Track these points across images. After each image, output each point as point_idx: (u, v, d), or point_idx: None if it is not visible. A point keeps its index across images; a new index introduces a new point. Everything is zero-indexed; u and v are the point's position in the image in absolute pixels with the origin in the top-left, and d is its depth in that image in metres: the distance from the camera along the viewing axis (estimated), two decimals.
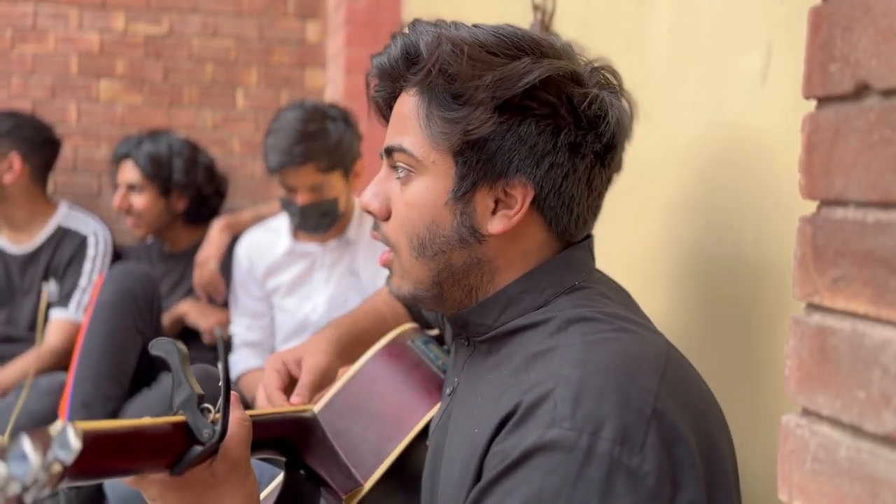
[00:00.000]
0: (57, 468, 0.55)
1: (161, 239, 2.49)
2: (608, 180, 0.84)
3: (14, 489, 0.52)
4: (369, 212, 0.85)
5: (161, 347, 0.75)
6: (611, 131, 0.79)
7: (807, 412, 0.57)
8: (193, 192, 2.44)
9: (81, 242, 2.42)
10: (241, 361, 2.09)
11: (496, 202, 0.79)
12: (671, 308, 1.09)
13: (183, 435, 0.72)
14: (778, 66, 0.88)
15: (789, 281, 0.60)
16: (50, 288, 2.38)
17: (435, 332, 1.19)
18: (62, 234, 2.43)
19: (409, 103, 0.81)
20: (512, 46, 0.77)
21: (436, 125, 0.78)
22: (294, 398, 1.02)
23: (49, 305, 2.37)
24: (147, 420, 0.70)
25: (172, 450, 0.71)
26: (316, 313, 2.04)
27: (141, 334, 1.95)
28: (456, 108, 0.76)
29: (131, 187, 2.37)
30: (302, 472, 0.93)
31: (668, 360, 0.74)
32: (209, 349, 2.21)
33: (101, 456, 0.64)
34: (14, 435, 0.54)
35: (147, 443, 0.69)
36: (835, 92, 0.55)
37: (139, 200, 2.37)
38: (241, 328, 2.11)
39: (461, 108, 0.76)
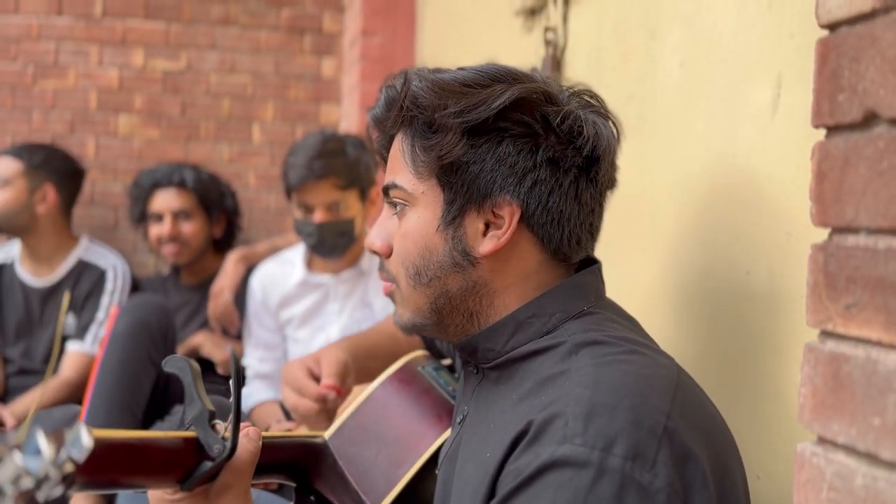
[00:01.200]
0: (69, 467, 0.56)
1: (179, 270, 2.51)
2: (600, 196, 0.85)
3: (27, 484, 0.53)
4: (374, 251, 0.88)
5: (174, 364, 0.77)
6: (590, 145, 0.81)
7: (822, 440, 0.57)
8: (234, 217, 2.50)
9: (100, 276, 2.44)
10: (253, 393, 2.09)
11: (486, 224, 0.82)
12: (680, 338, 1.09)
13: (193, 450, 0.73)
14: (789, 98, 0.89)
15: (803, 310, 0.60)
16: (69, 321, 2.40)
17: (447, 361, 1.19)
18: (82, 267, 2.45)
19: (396, 144, 0.86)
20: (487, 78, 0.81)
21: (417, 156, 0.82)
22: (325, 381, 1.07)
23: (65, 338, 2.39)
24: (159, 433, 0.71)
25: (183, 464, 0.72)
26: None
27: (155, 365, 1.96)
28: (430, 137, 0.81)
29: (179, 214, 2.39)
30: (312, 497, 0.93)
31: (679, 382, 0.74)
32: (223, 380, 2.22)
33: (112, 463, 0.65)
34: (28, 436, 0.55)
35: (158, 455, 0.70)
36: (843, 121, 0.55)
37: (189, 227, 2.39)
38: (254, 360, 2.12)
39: (434, 136, 0.80)
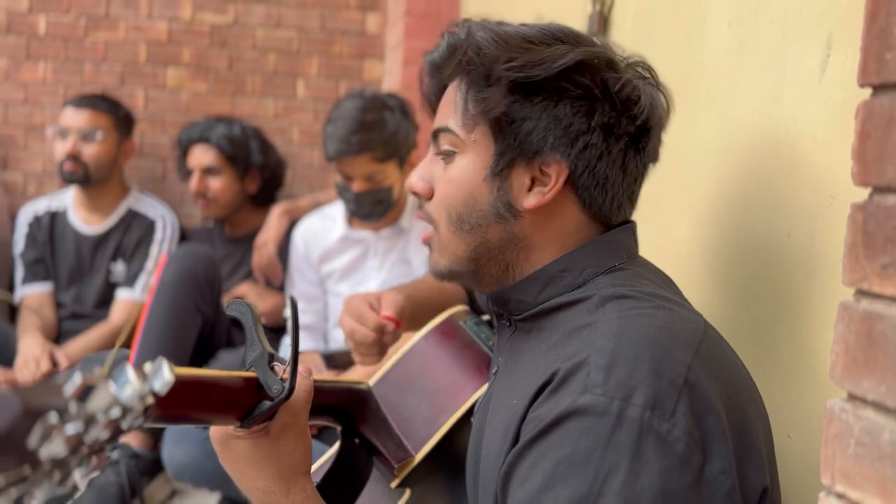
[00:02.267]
0: (150, 400, 0.59)
1: (223, 222, 2.56)
2: (643, 167, 0.87)
3: (115, 413, 0.55)
4: (415, 193, 0.89)
5: (236, 308, 0.79)
6: (644, 115, 0.83)
7: (852, 397, 0.58)
8: (268, 174, 2.52)
9: (150, 226, 2.52)
10: None
11: (532, 180, 0.83)
12: (717, 298, 1.09)
13: (253, 390, 0.76)
14: (837, 60, 0.88)
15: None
16: (117, 268, 2.49)
17: (487, 317, 1.21)
18: (132, 217, 2.53)
19: (451, 90, 0.87)
20: (550, 37, 0.82)
21: (470, 106, 0.83)
22: (384, 313, 1.09)
23: (115, 285, 2.47)
24: (222, 372, 0.74)
25: (243, 403, 0.75)
26: None
27: (201, 313, 2.02)
28: (483, 89, 0.82)
29: (208, 170, 2.44)
30: (356, 440, 0.97)
31: (705, 336, 0.75)
32: (265, 331, 2.28)
33: (183, 398, 0.68)
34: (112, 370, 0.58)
35: (223, 393, 0.73)
36: (890, 80, 0.55)
37: (217, 183, 2.44)
38: (291, 315, 2.16)
39: (487, 89, 0.81)
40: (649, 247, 1.07)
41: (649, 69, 0.87)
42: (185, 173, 2.52)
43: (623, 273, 0.82)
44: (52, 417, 0.51)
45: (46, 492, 0.52)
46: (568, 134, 0.81)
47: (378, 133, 1.92)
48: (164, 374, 0.60)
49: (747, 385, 0.78)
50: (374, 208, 2.00)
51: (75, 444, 0.53)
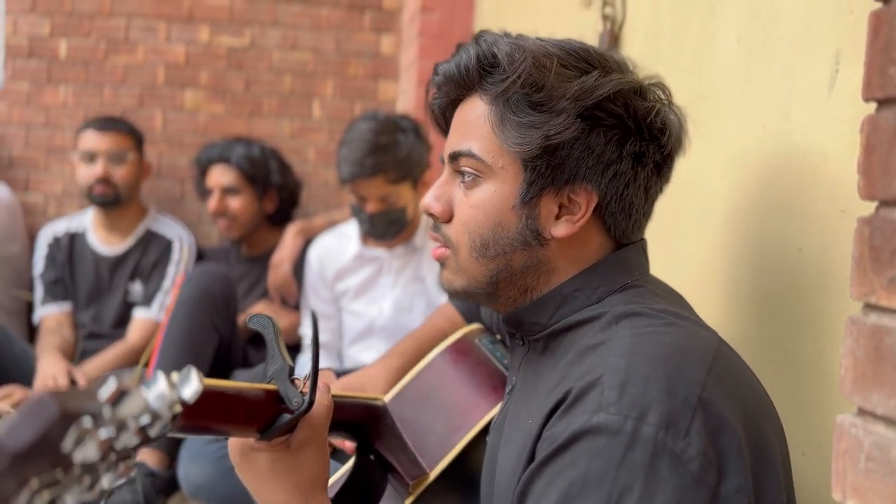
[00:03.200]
0: (178, 408, 0.59)
1: (240, 242, 2.59)
2: (661, 189, 0.88)
3: (145, 420, 0.56)
4: (431, 214, 0.87)
5: (258, 322, 0.80)
6: (671, 143, 0.84)
7: (862, 412, 0.57)
8: (286, 193, 2.55)
9: (167, 246, 2.55)
10: (309, 361, 2.15)
11: (560, 207, 0.82)
12: (730, 315, 1.09)
13: (274, 402, 0.76)
14: (846, 75, 0.88)
15: None
16: (135, 288, 2.52)
17: (498, 337, 1.21)
18: (150, 237, 2.56)
19: (477, 109, 0.84)
20: (581, 60, 0.81)
21: (510, 131, 0.81)
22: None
23: (133, 305, 2.50)
24: (245, 384, 0.75)
25: (264, 415, 0.75)
26: (382, 317, 2.09)
27: (217, 332, 2.03)
28: (535, 115, 0.79)
29: (227, 190, 2.47)
30: (371, 456, 0.97)
31: (718, 354, 0.74)
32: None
33: (208, 408, 0.69)
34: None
35: (245, 404, 0.73)
36: (894, 94, 0.55)
37: (236, 202, 2.47)
38: (310, 329, 2.18)
39: (540, 115, 0.79)
40: (661, 265, 1.07)
41: (664, 88, 0.87)
42: (204, 193, 2.55)
43: (636, 290, 0.82)
44: (87, 422, 0.51)
45: (76, 496, 0.53)
46: (600, 163, 0.80)
47: (391, 155, 1.93)
48: (193, 382, 0.60)
49: (763, 402, 0.77)
50: (388, 228, 2.01)
51: (106, 449, 0.53)
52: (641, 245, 0.88)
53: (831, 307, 0.89)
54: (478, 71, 0.83)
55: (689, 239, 1.22)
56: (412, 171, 1.97)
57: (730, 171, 1.11)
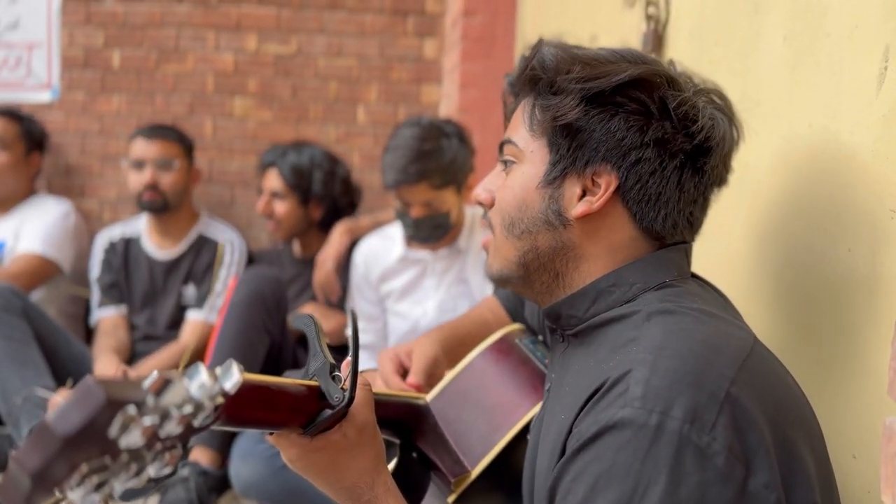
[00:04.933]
0: (220, 399, 0.61)
1: (292, 244, 2.63)
2: (705, 189, 0.87)
3: (187, 409, 0.58)
4: (479, 202, 0.93)
5: (301, 321, 0.83)
6: (703, 134, 0.83)
7: None
8: (329, 203, 2.59)
9: (219, 250, 2.62)
10: None
11: (584, 190, 0.85)
12: (776, 315, 1.08)
13: (316, 398, 0.79)
14: (895, 71, 0.87)
15: None
16: (188, 291, 2.59)
17: (541, 337, 1.22)
18: (202, 242, 2.63)
19: (520, 104, 0.91)
20: (619, 56, 0.85)
21: (535, 116, 0.86)
22: (410, 379, 1.11)
23: (186, 307, 2.57)
24: (288, 380, 0.77)
25: (306, 410, 0.78)
26: (426, 318, 2.11)
27: (269, 334, 2.08)
28: (549, 98, 0.84)
29: (274, 194, 2.53)
30: (414, 454, 0.98)
31: (752, 352, 0.74)
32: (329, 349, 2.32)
33: (251, 401, 0.71)
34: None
35: (287, 399, 0.76)
36: None
37: (280, 207, 2.52)
38: (351, 329, 2.20)
39: (553, 97, 0.84)
40: (707, 264, 1.07)
41: (723, 97, 0.88)
42: (261, 193, 2.61)
43: (672, 290, 0.83)
44: (132, 409, 0.54)
45: (123, 482, 0.55)
46: (620, 147, 0.83)
47: (435, 162, 1.95)
48: (234, 375, 0.62)
49: (797, 403, 0.77)
50: (433, 233, 2.03)
51: (151, 436, 0.56)
52: (684, 248, 0.89)
53: (882, 308, 0.88)
54: (521, 74, 0.89)
55: (735, 238, 1.21)
56: (456, 176, 1.99)
57: (777, 170, 1.10)
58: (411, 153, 1.94)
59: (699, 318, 0.76)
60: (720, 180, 0.89)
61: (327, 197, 2.58)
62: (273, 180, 2.53)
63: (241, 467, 1.89)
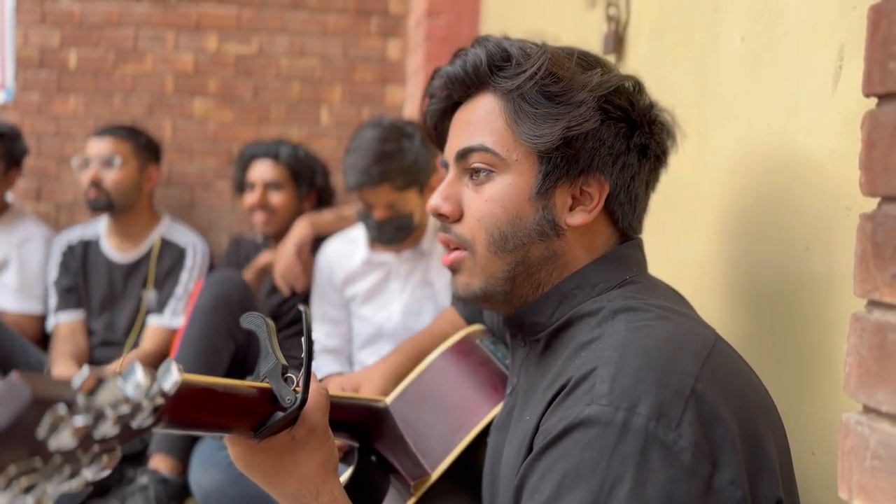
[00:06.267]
0: (159, 400, 0.59)
1: (270, 239, 2.57)
2: (656, 185, 0.92)
3: (123, 410, 0.56)
4: (439, 215, 0.88)
5: (251, 321, 0.80)
6: (667, 136, 0.89)
7: (867, 409, 0.57)
8: (325, 196, 2.56)
9: (181, 253, 2.56)
10: (321, 367, 2.15)
11: (573, 198, 0.85)
12: (734, 314, 1.08)
13: (267, 400, 0.76)
14: (850, 71, 0.87)
15: None
16: (149, 296, 2.53)
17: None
18: (164, 245, 2.58)
19: (486, 106, 0.86)
20: (583, 60, 0.86)
21: (525, 124, 0.82)
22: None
23: (146, 312, 2.52)
24: (237, 381, 0.75)
25: (257, 413, 0.76)
26: (391, 321, 2.09)
27: (234, 339, 2.04)
28: (553, 107, 0.82)
29: (269, 185, 2.47)
30: (373, 457, 0.97)
31: (714, 348, 0.75)
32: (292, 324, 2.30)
33: (195, 403, 0.69)
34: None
35: (236, 402, 0.73)
36: (894, 89, 0.55)
37: (277, 197, 2.47)
38: (321, 335, 2.18)
39: (560, 107, 0.82)
40: (661, 262, 1.07)
41: (642, 87, 0.91)
42: (243, 187, 2.53)
43: (634, 286, 0.83)
44: (61, 408, 0.51)
45: (56, 485, 0.53)
46: (610, 154, 0.84)
47: (397, 163, 1.93)
48: (173, 374, 0.60)
49: (760, 397, 0.77)
50: (396, 234, 2.02)
51: (84, 437, 0.53)
52: (638, 242, 0.90)
53: (839, 305, 0.88)
54: (488, 68, 0.85)
55: (693, 238, 1.21)
56: (418, 176, 1.98)
57: (736, 170, 1.11)
58: (373, 154, 1.92)
59: (662, 315, 0.76)
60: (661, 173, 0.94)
61: (325, 189, 2.57)
62: (266, 170, 2.47)
63: (202, 475, 1.86)
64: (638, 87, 0.87)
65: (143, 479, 1.92)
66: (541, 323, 0.85)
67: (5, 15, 2.93)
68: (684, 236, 1.23)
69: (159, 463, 1.95)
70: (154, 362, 2.35)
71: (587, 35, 1.64)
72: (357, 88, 3.04)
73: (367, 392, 1.12)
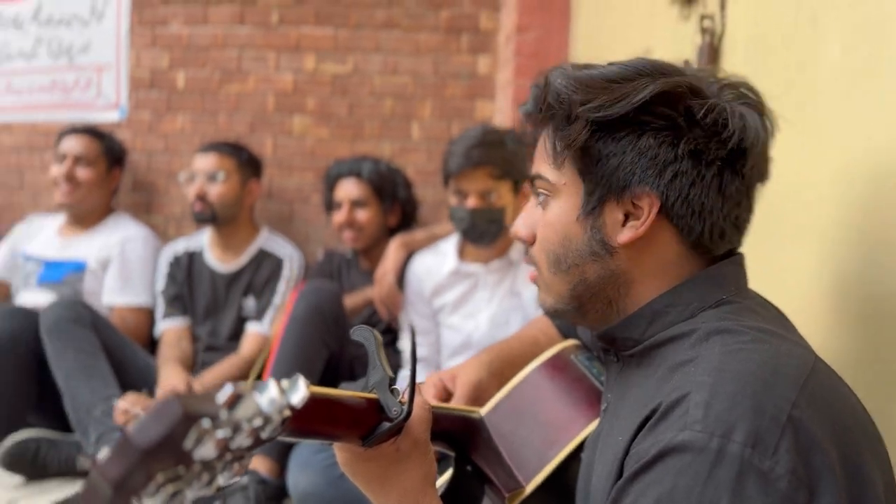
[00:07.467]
0: (287, 413, 0.64)
1: (358, 255, 2.67)
2: (747, 189, 0.84)
3: (257, 422, 0.61)
4: (519, 239, 0.92)
5: (360, 334, 0.84)
6: (736, 137, 0.81)
7: None
8: (409, 209, 2.65)
9: (278, 265, 2.69)
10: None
11: (626, 215, 0.83)
12: (836, 335, 1.06)
13: (375, 411, 0.80)
14: None
15: None
16: (248, 304, 2.66)
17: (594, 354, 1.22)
18: (263, 256, 2.71)
19: (541, 137, 0.90)
20: (633, 73, 0.82)
21: (557, 149, 0.85)
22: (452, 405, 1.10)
23: (246, 319, 2.64)
24: (348, 392, 0.79)
25: (365, 423, 0.80)
26: (479, 331, 2.12)
27: (326, 346, 2.12)
28: (566, 128, 0.83)
29: (355, 203, 2.58)
30: (469, 468, 0.99)
31: (813, 372, 0.73)
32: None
33: (315, 414, 0.73)
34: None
35: (347, 412, 0.78)
36: None
37: (363, 214, 2.57)
38: (410, 344, 2.23)
39: (568, 128, 0.83)
40: (764, 278, 1.06)
41: (751, 88, 0.85)
42: (331, 206, 2.64)
43: (731, 307, 0.81)
44: (206, 423, 0.57)
45: (195, 491, 0.58)
46: (655, 165, 0.81)
47: (497, 151, 2.01)
48: (301, 389, 0.65)
49: (863, 425, 0.74)
50: (488, 228, 2.05)
51: (222, 448, 0.59)
52: (738, 260, 0.87)
53: None
54: (535, 107, 0.88)
55: (794, 255, 1.19)
56: (514, 170, 2.03)
57: (837, 182, 1.09)
58: (475, 140, 2.01)
59: (758, 337, 0.75)
60: (761, 176, 0.86)
61: (409, 202, 2.65)
62: (351, 189, 2.57)
63: (300, 477, 1.92)
64: (692, 90, 0.81)
65: (243, 480, 2.01)
66: (633, 339, 0.85)
67: (121, 38, 3.14)
68: (785, 249, 1.22)
69: (259, 464, 2.03)
70: (251, 367, 2.46)
71: (681, 47, 1.64)
72: (447, 104, 3.10)
73: (463, 381, 1.15)
